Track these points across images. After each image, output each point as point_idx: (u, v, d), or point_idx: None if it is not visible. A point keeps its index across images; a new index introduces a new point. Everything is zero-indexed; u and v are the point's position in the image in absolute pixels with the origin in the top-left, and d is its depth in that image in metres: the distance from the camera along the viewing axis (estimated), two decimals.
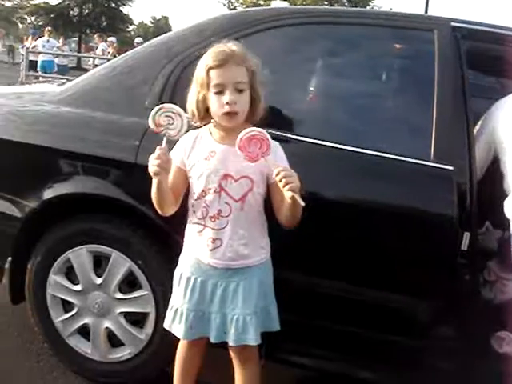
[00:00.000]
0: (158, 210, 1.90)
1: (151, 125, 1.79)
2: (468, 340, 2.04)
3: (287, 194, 1.68)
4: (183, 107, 1.86)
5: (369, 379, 2.20)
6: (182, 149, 1.90)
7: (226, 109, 1.78)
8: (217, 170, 1.83)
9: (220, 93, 1.79)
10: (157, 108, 1.80)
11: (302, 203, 1.65)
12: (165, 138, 1.79)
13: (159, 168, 1.74)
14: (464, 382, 2.09)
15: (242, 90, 1.80)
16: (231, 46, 1.84)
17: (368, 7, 29.16)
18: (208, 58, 1.82)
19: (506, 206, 2.07)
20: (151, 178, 1.78)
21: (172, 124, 1.79)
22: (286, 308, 1.96)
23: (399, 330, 2.08)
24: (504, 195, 2.14)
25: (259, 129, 1.73)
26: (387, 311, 2.09)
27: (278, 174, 1.67)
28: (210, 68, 1.79)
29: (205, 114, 1.87)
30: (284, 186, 1.66)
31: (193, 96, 1.87)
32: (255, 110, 1.86)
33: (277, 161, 1.77)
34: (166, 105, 1.82)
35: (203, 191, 1.85)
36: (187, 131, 1.84)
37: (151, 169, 1.75)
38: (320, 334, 2.16)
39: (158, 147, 1.76)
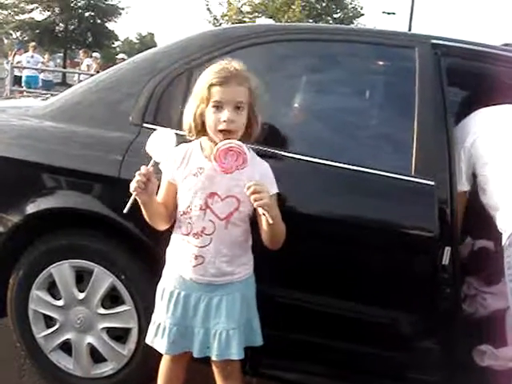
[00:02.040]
0: (152, 225, 1.91)
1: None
2: (450, 354, 2.05)
3: (259, 210, 1.71)
4: (167, 122, 1.88)
5: None
6: (173, 163, 1.89)
7: (223, 126, 1.77)
8: (204, 187, 1.83)
9: (218, 109, 1.78)
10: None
11: (271, 221, 1.69)
12: (152, 161, 1.79)
13: (137, 185, 1.75)
14: None
15: (241, 109, 1.79)
16: (234, 64, 1.83)
17: (352, 26, 29.37)
18: (210, 75, 1.80)
19: (498, 219, 2.08)
20: None
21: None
22: (269, 323, 1.96)
23: (381, 343, 2.08)
24: (482, 209, 2.16)
25: (238, 142, 1.73)
26: (369, 325, 2.09)
27: (248, 188, 1.69)
28: (212, 85, 1.78)
29: (201, 129, 1.86)
30: (254, 202, 1.69)
31: (191, 110, 1.85)
32: (251, 131, 1.85)
33: (258, 178, 1.78)
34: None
35: (189, 207, 1.85)
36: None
37: (131, 184, 1.76)
38: (304, 349, 2.16)
39: (143, 166, 1.77)
